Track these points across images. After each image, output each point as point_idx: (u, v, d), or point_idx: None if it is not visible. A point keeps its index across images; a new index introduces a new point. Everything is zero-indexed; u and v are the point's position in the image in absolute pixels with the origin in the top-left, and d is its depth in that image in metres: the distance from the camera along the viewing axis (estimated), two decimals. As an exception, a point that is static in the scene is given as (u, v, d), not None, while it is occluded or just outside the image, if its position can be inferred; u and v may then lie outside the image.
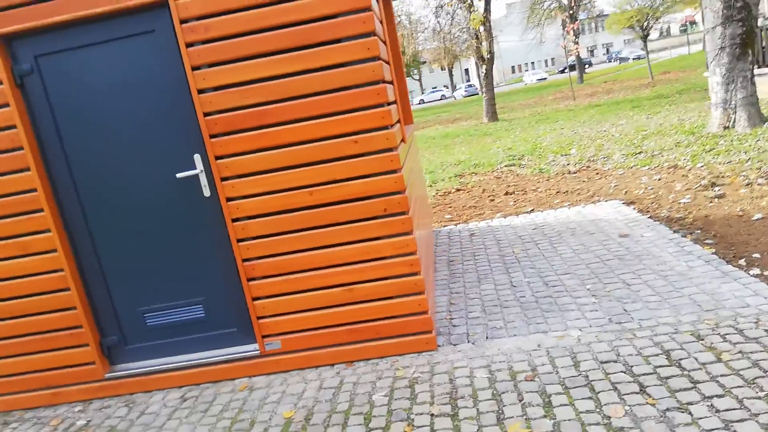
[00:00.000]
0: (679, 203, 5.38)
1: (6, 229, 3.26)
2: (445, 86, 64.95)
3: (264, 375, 3.34)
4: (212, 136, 3.12)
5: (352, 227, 3.17)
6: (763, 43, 11.66)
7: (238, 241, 3.22)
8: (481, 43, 19.87)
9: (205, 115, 3.09)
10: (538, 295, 3.76)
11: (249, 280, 3.27)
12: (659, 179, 6.55)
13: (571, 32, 27.99)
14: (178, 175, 3.18)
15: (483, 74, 20.68)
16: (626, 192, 6.24)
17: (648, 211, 5.30)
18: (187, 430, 2.87)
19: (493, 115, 20.40)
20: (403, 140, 3.64)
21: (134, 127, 3.18)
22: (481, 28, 19.40)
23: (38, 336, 3.39)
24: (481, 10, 19.19)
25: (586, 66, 49.30)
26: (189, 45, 3.02)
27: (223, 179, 3.16)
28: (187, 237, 3.30)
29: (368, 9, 2.92)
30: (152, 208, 3.27)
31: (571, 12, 32.41)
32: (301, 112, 3.04)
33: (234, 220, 3.20)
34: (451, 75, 58.95)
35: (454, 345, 3.27)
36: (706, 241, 4.19)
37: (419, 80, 58.14)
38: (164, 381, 3.40)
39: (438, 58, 29.52)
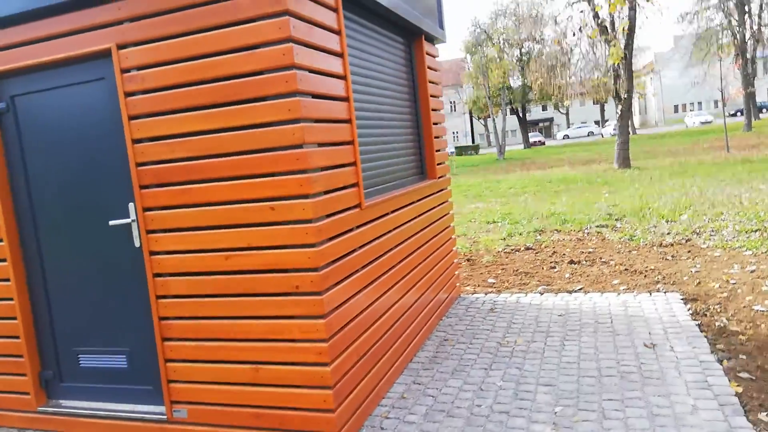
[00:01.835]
0: (751, 310, 4.30)
1: (-33, 255, 3.47)
2: (596, 122, 61.30)
3: (169, 442, 3.17)
4: (142, 187, 3.05)
5: (264, 300, 2.90)
6: None
7: (157, 297, 3.11)
8: (618, 81, 18.36)
9: (138, 165, 3.03)
10: (496, 408, 3.16)
11: (164, 339, 3.13)
12: (752, 271, 5.35)
13: (738, 71, 24.83)
14: (111, 223, 3.16)
15: (618, 115, 19.07)
16: (699, 283, 5.17)
17: (704, 316, 4.30)
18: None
19: (624, 161, 18.66)
20: (359, 206, 3.29)
21: (88, 170, 3.22)
22: (620, 65, 17.92)
23: (-12, 359, 3.56)
24: (622, 44, 17.67)
25: (763, 110, 43.38)
26: (128, 95, 3.00)
27: (149, 231, 3.07)
28: (118, 285, 3.26)
29: (291, 67, 2.66)
30: (93, 250, 3.28)
31: (742, 48, 28.81)
32: (222, 170, 2.87)
33: (155, 275, 3.09)
34: (602, 110, 55.43)
35: (361, 454, 2.83)
36: (741, 374, 3.24)
37: (566, 114, 55.47)
38: (85, 427, 3.37)
39: (579, 92, 27.88)
